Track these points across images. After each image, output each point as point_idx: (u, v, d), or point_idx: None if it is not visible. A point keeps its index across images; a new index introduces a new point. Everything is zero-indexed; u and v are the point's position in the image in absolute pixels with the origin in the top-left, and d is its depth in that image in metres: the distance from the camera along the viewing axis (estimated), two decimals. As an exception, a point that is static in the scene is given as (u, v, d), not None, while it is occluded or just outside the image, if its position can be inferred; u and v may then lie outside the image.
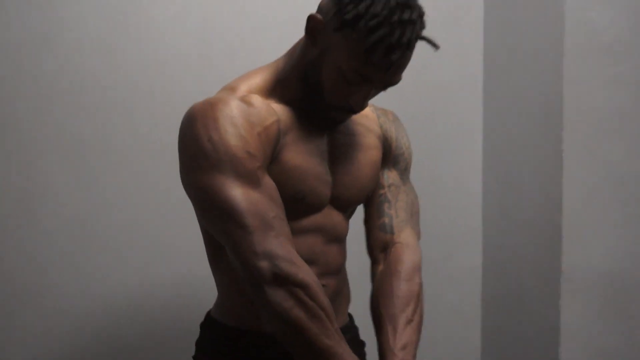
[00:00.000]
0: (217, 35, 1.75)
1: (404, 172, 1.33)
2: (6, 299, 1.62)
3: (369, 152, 1.25)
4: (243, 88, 1.14)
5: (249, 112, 1.09)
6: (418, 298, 1.25)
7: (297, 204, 1.14)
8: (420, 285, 1.27)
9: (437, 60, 1.93)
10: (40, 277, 1.64)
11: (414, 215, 1.33)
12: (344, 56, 1.07)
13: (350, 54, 1.06)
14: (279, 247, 1.04)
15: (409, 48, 1.06)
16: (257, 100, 1.11)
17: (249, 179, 1.05)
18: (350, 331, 1.30)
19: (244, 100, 1.10)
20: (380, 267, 1.29)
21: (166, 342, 1.76)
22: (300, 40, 1.17)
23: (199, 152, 1.05)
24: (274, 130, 1.10)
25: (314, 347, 1.03)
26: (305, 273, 1.05)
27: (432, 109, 1.95)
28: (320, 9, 1.12)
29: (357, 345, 1.31)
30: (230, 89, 1.14)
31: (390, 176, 1.32)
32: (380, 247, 1.29)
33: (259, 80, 1.16)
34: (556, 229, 1.69)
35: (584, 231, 1.69)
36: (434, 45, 1.11)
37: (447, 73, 1.97)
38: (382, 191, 1.31)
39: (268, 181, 1.08)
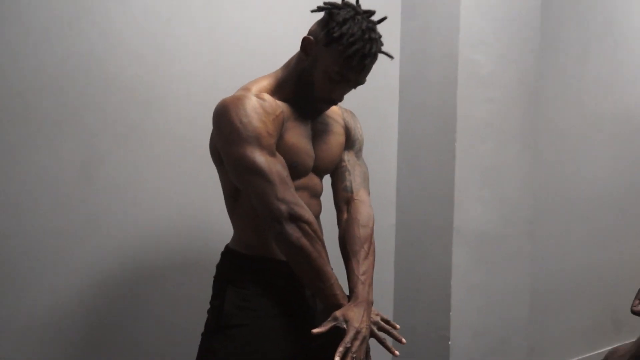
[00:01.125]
0: (228, 50, 2.10)
1: (358, 152, 1.70)
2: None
3: (337, 136, 1.61)
4: (254, 89, 1.48)
5: (264, 105, 1.43)
6: (371, 239, 1.60)
7: (292, 170, 1.47)
8: (372, 230, 1.61)
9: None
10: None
11: (365, 180, 1.69)
12: (330, 63, 1.43)
13: (335, 61, 1.43)
14: (293, 196, 1.41)
15: (375, 57, 1.45)
16: (267, 97, 1.46)
17: (269, 150, 1.41)
18: None
19: (259, 96, 1.45)
20: (344, 216, 1.63)
21: (191, 268, 2.07)
22: (295, 54, 1.52)
23: (233, 131, 1.40)
24: (280, 118, 1.46)
25: (314, 266, 1.41)
26: (310, 214, 1.43)
27: (366, 119, 2.27)
28: (310, 32, 1.49)
29: None
30: (246, 89, 1.48)
31: (348, 154, 1.67)
32: (343, 201, 1.65)
33: (265, 83, 1.52)
34: (450, 199, 2.33)
35: (467, 200, 2.35)
36: (390, 56, 1.53)
37: (371, 88, 2.38)
38: (343, 164, 1.66)
39: (279, 153, 1.44)
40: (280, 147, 1.47)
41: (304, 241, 1.41)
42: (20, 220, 1.81)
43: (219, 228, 1.90)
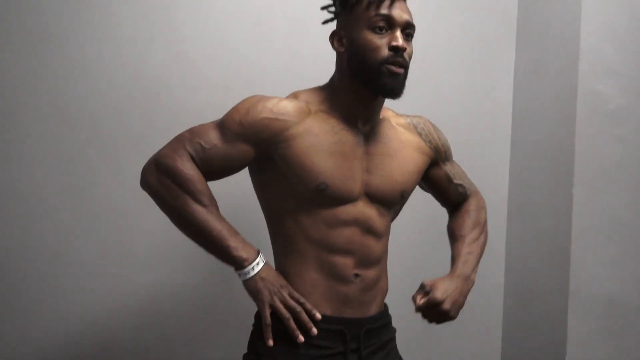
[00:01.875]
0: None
1: (451, 158, 1.56)
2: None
3: (405, 160, 1.41)
4: (299, 96, 1.38)
5: (274, 106, 1.31)
6: (484, 226, 1.54)
7: (324, 194, 1.29)
8: (486, 219, 1.55)
9: (470, 116, 2.23)
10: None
11: (467, 177, 1.60)
12: (363, 19, 1.29)
13: (365, 13, 1.29)
14: (174, 150, 1.29)
15: None
16: (290, 104, 1.32)
17: (223, 130, 1.31)
18: (384, 318, 1.43)
19: (286, 99, 1.34)
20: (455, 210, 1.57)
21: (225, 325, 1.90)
22: (335, 67, 1.39)
23: (232, 108, 1.34)
24: (277, 125, 1.29)
25: (182, 215, 1.26)
26: (184, 167, 1.27)
27: (473, 162, 2.06)
28: (332, 33, 1.37)
29: (389, 331, 1.45)
30: (293, 94, 1.39)
31: (447, 170, 1.53)
32: (461, 204, 1.58)
33: (313, 95, 1.38)
34: (565, 257, 1.94)
35: (588, 260, 1.94)
36: None
37: (476, 126, 2.24)
38: (452, 184, 1.54)
39: (238, 147, 1.30)
40: (293, 165, 1.31)
41: (164, 194, 1.28)
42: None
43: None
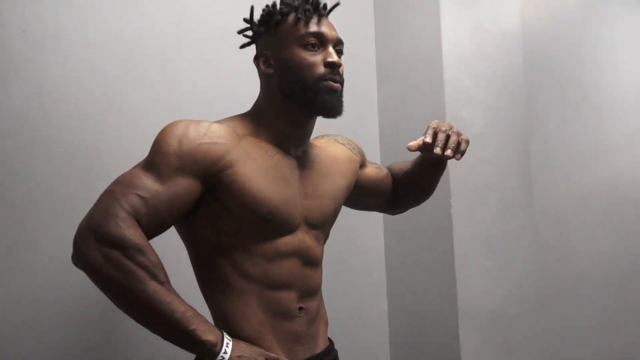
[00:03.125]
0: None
1: (368, 161, 1.57)
2: None
3: (334, 179, 1.36)
4: (221, 121, 1.24)
5: (206, 130, 1.17)
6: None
7: (268, 225, 1.20)
8: None
9: None
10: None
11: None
12: (292, 37, 1.23)
13: (294, 30, 1.23)
14: (117, 209, 1.06)
15: (319, 5, 1.26)
16: (220, 127, 1.20)
17: (156, 170, 1.13)
18: (331, 354, 1.36)
19: (213, 122, 1.21)
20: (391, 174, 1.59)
21: None
22: (260, 91, 1.30)
23: (154, 143, 1.18)
24: (217, 149, 1.16)
25: (136, 301, 1.06)
26: (135, 236, 1.06)
27: None
28: (255, 56, 1.29)
29: None
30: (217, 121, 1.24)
31: (371, 166, 1.56)
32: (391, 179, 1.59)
33: (235, 121, 1.26)
34: (451, 274, 2.02)
35: (470, 275, 2.05)
36: (336, 5, 1.36)
37: None
38: (382, 173, 1.57)
39: (180, 183, 1.13)
40: (238, 194, 1.18)
41: (111, 272, 1.05)
42: None
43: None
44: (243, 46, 1.34)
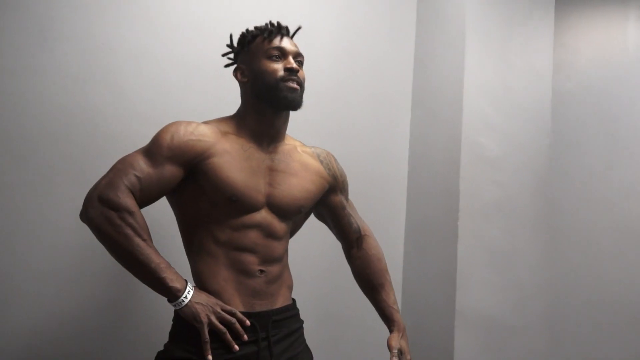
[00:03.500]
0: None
1: (347, 193, 1.79)
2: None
3: (305, 180, 1.63)
4: (210, 122, 1.59)
5: (194, 129, 1.52)
6: (387, 271, 1.77)
7: (233, 205, 1.50)
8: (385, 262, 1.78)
9: (373, 162, 2.58)
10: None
11: (359, 217, 1.81)
12: (260, 52, 1.57)
13: (261, 45, 1.58)
14: (115, 184, 1.41)
15: (283, 27, 1.60)
16: (207, 127, 1.53)
17: (152, 156, 1.47)
18: (292, 310, 1.63)
19: (202, 123, 1.56)
20: (356, 252, 1.76)
21: (141, 338, 1.99)
22: (241, 99, 1.63)
23: (154, 136, 1.52)
24: (200, 145, 1.50)
25: (124, 253, 1.38)
26: (126, 201, 1.40)
27: (375, 202, 2.47)
28: (235, 68, 1.64)
29: (297, 322, 1.65)
30: (204, 122, 1.59)
31: (342, 199, 1.76)
32: (354, 240, 1.77)
33: (223, 121, 1.60)
34: (452, 281, 2.24)
35: (472, 284, 2.26)
36: (298, 29, 1.68)
37: (379, 169, 2.56)
38: (345, 211, 1.76)
39: (168, 169, 1.47)
40: (212, 179, 1.50)
41: (107, 228, 1.39)
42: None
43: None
44: (227, 65, 1.73)
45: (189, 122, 1.56)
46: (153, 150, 1.49)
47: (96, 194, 1.43)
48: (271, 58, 1.57)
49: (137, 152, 1.52)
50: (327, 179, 1.72)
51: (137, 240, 1.41)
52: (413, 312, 2.46)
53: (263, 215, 1.56)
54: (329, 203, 1.76)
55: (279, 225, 1.59)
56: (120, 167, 1.47)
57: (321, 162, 1.72)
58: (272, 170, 1.60)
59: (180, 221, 1.59)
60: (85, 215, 1.43)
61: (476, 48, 2.38)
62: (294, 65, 1.57)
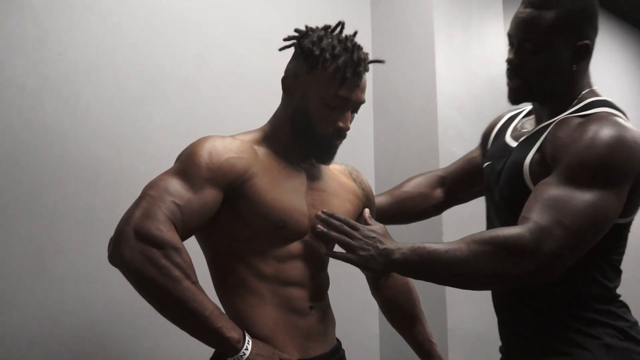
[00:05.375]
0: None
1: (375, 216, 1.51)
2: None
3: (344, 200, 1.42)
4: (239, 137, 1.34)
5: (231, 145, 1.27)
6: (419, 300, 1.61)
7: (279, 232, 1.28)
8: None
9: None
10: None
11: None
12: (323, 87, 1.27)
13: (328, 83, 1.27)
14: (154, 215, 1.14)
15: (366, 64, 1.31)
16: (241, 143, 1.30)
17: (189, 179, 1.21)
18: (339, 352, 1.43)
19: (234, 138, 1.31)
20: (382, 281, 1.56)
21: None
22: (280, 105, 1.37)
23: (184, 154, 1.27)
24: (241, 164, 1.26)
25: (171, 301, 1.13)
26: (170, 237, 1.13)
27: None
28: (287, 70, 1.35)
29: None
30: (232, 136, 1.34)
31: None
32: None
33: (252, 135, 1.36)
34: (442, 300, 2.19)
35: (460, 302, 2.22)
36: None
37: None
38: None
39: (209, 193, 1.22)
40: (255, 203, 1.27)
41: (150, 271, 1.12)
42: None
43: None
44: (282, 49, 1.39)
45: (222, 137, 1.30)
46: (189, 171, 1.23)
47: (131, 229, 1.14)
48: (328, 105, 1.30)
49: (168, 174, 1.24)
50: (362, 199, 1.50)
51: (187, 284, 1.15)
52: (393, 340, 2.32)
53: (309, 242, 1.34)
54: None
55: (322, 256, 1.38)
56: (154, 193, 1.19)
57: (354, 180, 1.51)
58: (311, 190, 1.38)
59: (210, 254, 1.34)
60: (120, 257, 1.14)
61: (446, 55, 2.34)
62: (348, 125, 1.33)
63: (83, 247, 1.70)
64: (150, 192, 1.19)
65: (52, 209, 1.68)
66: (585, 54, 1.32)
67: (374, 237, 1.27)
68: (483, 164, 1.54)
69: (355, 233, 1.27)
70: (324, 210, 1.31)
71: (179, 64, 1.98)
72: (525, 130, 1.43)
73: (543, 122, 1.36)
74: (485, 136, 1.62)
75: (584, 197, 1.17)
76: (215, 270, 1.33)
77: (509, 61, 1.35)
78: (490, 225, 1.49)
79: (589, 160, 1.20)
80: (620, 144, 1.20)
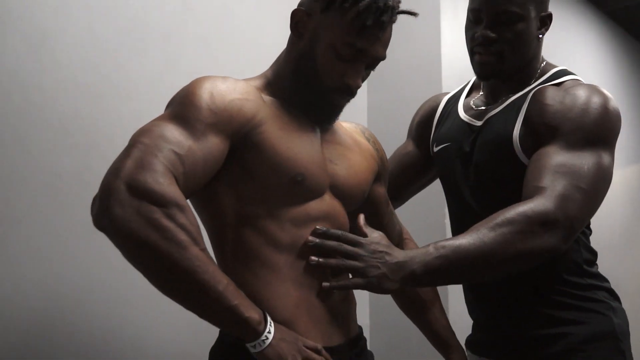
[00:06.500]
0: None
1: (387, 185, 1.38)
2: None
3: (363, 159, 1.23)
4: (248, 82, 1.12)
5: (235, 86, 1.06)
6: None
7: (297, 187, 1.08)
8: None
9: None
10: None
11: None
12: (337, 32, 1.07)
13: (342, 29, 1.06)
14: (152, 164, 0.92)
15: (394, 13, 1.08)
16: (247, 84, 1.10)
17: (188, 124, 0.99)
18: (361, 341, 1.23)
19: (238, 80, 1.09)
20: None
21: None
22: (285, 48, 1.17)
23: (178, 97, 1.05)
24: (248, 107, 1.05)
25: (177, 271, 0.90)
26: (173, 193, 0.92)
27: None
28: (301, 3, 1.13)
29: (367, 356, 1.24)
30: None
31: (385, 192, 1.34)
32: (395, 243, 1.28)
33: (253, 82, 1.14)
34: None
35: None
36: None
37: None
38: (388, 208, 1.34)
39: (213, 142, 1.00)
40: (267, 153, 1.05)
41: (149, 234, 0.88)
42: None
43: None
44: None
45: (224, 77, 1.07)
46: (188, 115, 0.99)
47: (123, 182, 0.89)
48: (340, 54, 1.08)
49: (161, 119, 1.01)
50: (378, 162, 1.29)
51: (196, 251, 0.91)
52: (384, 331, 2.21)
53: (328, 203, 1.13)
54: (372, 195, 1.30)
55: (344, 217, 1.17)
56: (147, 140, 0.95)
57: (367, 139, 1.30)
58: (326, 142, 1.17)
59: (212, 223, 1.10)
60: (110, 218, 0.89)
61: (451, 27, 2.17)
62: (359, 83, 1.12)
63: (46, 219, 1.42)
64: (143, 139, 0.95)
65: (8, 172, 1.39)
66: (548, 23, 1.36)
67: (381, 252, 1.09)
68: (425, 151, 1.51)
69: (359, 250, 1.08)
70: (317, 227, 1.08)
71: (161, 10, 1.71)
72: (483, 108, 1.40)
73: (502, 97, 1.37)
74: (423, 123, 1.56)
75: (590, 159, 1.20)
76: (218, 241, 1.09)
77: (483, 35, 1.30)
78: (461, 208, 1.41)
79: (588, 124, 1.23)
80: (611, 107, 1.26)
